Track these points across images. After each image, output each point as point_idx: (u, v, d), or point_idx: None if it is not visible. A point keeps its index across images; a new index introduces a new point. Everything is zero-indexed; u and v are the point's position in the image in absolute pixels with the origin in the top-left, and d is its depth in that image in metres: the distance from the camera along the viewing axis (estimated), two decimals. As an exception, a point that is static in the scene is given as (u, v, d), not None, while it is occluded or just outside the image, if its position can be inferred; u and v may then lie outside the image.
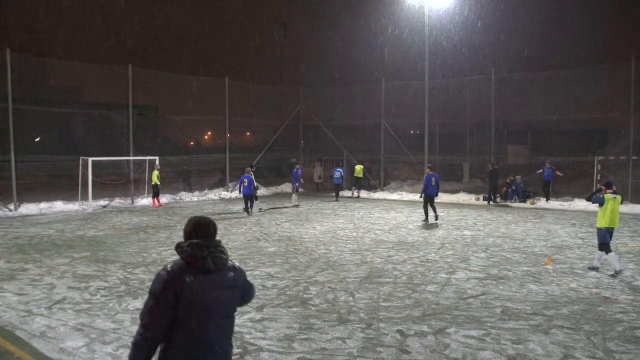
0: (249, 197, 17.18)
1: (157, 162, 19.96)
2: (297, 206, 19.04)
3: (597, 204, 8.98)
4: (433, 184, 15.03)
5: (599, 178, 19.77)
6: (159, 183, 19.30)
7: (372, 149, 26.28)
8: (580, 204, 19.08)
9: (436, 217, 15.19)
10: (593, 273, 8.86)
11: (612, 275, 8.68)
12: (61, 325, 6.30)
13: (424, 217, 15.55)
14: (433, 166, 17.13)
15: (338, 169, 22.53)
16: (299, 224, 14.97)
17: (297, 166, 19.96)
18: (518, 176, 21.51)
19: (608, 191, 8.98)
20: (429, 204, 15.26)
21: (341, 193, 22.79)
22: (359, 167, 23.91)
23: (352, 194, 23.91)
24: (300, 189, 20.15)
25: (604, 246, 8.86)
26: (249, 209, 17.23)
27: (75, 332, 6.09)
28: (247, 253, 10.70)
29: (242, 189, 17.17)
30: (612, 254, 8.82)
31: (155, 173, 19.30)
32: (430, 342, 5.74)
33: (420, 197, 15.76)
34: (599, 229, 8.97)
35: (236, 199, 23.41)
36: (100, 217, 16.62)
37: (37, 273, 8.99)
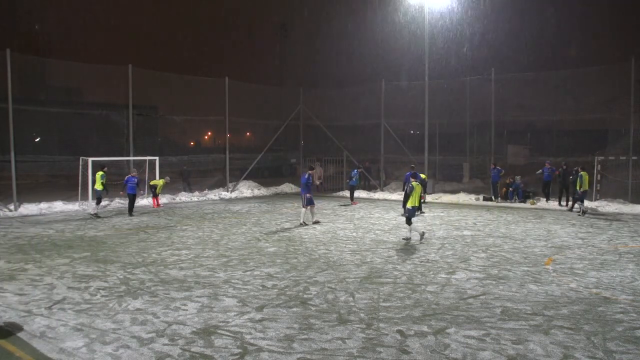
0: (133, 197, 17.12)
1: (168, 178, 20.29)
2: (312, 223, 14.86)
3: (409, 193, 12.11)
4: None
5: (599, 178, 19.78)
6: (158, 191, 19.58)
7: (372, 149, 26.27)
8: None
9: (420, 212, 16.95)
10: (593, 273, 8.86)
11: (404, 239, 12.02)
12: (61, 326, 6.30)
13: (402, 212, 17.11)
14: (415, 166, 18.15)
15: (355, 171, 21.27)
16: (299, 224, 14.96)
17: (310, 172, 15.38)
18: (518, 176, 21.56)
19: (414, 180, 12.30)
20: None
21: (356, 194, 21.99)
22: (423, 176, 22.38)
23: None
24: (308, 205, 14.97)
25: (410, 220, 12.04)
26: (131, 209, 17.18)
27: (75, 332, 6.09)
28: (247, 253, 10.70)
29: (128, 189, 16.88)
30: (412, 225, 12.04)
31: (162, 182, 19.62)
32: (430, 342, 5.74)
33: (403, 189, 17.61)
34: (408, 209, 12.08)
35: (236, 199, 23.44)
36: (101, 217, 16.61)
37: (37, 273, 8.99)
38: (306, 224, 14.73)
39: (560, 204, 19.40)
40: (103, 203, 19.51)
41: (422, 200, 20.65)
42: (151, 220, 15.97)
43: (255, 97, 27.16)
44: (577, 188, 16.42)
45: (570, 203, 18.40)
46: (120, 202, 20.09)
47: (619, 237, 12.65)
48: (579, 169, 16.74)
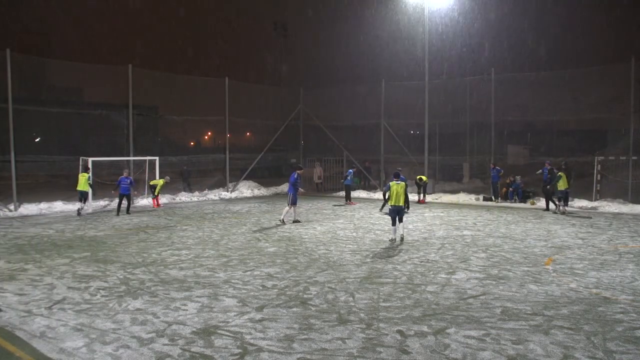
0: (128, 197, 17.25)
1: (168, 178, 20.40)
2: (297, 221, 15.03)
3: (387, 192, 12.03)
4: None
5: (599, 178, 19.77)
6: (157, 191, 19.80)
7: (372, 149, 26.27)
8: (580, 204, 19.08)
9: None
10: (593, 273, 8.85)
11: (389, 240, 11.91)
12: (61, 326, 6.30)
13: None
14: (401, 169, 18.48)
15: (350, 170, 21.34)
16: (299, 224, 14.96)
17: (297, 172, 15.44)
18: (518, 176, 21.56)
19: (394, 179, 11.99)
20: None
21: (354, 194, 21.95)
22: (424, 178, 21.45)
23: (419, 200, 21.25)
24: (292, 205, 15.05)
25: (392, 220, 11.91)
26: (127, 209, 17.40)
27: (75, 332, 6.09)
28: (247, 253, 10.70)
29: (121, 189, 17.01)
30: (394, 227, 11.91)
31: (162, 182, 19.74)
32: (430, 342, 5.74)
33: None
34: (389, 208, 12.02)
35: (236, 199, 23.44)
36: (101, 217, 16.62)
37: (37, 273, 8.99)
38: (285, 223, 14.85)
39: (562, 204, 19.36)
40: (103, 203, 19.55)
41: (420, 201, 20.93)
42: (151, 220, 15.97)
43: (255, 97, 27.15)
44: (559, 188, 16.88)
45: (554, 203, 18.33)
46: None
47: (619, 237, 12.65)
48: (556, 171, 17.27)
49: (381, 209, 17.92)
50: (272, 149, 27.50)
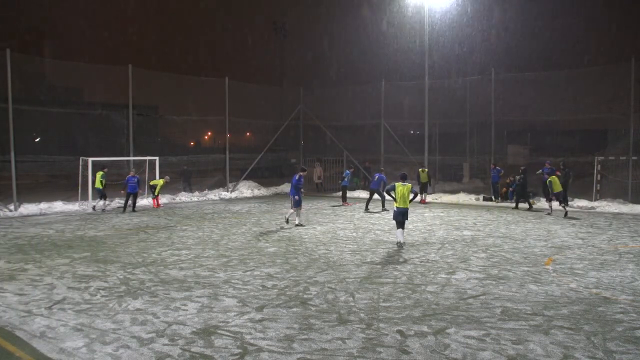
0: (135, 195, 17.99)
1: (168, 178, 20.43)
2: (300, 225, 14.53)
3: (391, 192, 11.44)
4: (375, 179, 19.06)
5: (599, 178, 19.77)
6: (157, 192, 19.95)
7: (372, 149, 26.26)
8: (580, 203, 19.08)
9: (382, 209, 18.21)
10: (593, 273, 8.85)
11: (397, 244, 11.36)
12: (61, 326, 6.30)
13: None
14: (383, 169, 20.15)
15: (347, 171, 21.23)
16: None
17: (301, 173, 14.99)
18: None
19: (400, 181, 11.57)
20: (374, 195, 18.95)
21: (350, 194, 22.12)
22: (423, 173, 21.56)
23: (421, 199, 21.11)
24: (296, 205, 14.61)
25: (397, 223, 11.38)
26: (133, 207, 18.06)
27: (75, 332, 6.09)
28: (247, 253, 10.70)
29: (128, 188, 17.70)
30: (399, 230, 11.35)
31: (162, 182, 19.82)
32: (430, 342, 5.73)
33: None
34: (394, 211, 11.42)
35: (236, 199, 23.43)
36: (100, 217, 16.62)
37: (37, 273, 8.99)
38: (288, 222, 14.69)
39: (563, 205, 19.35)
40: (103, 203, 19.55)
41: (420, 201, 20.98)
42: (151, 220, 15.97)
43: (255, 97, 27.16)
44: (553, 190, 16.87)
45: (518, 202, 19.19)
46: (120, 202, 20.09)
47: (619, 237, 12.65)
48: (546, 177, 17.52)
49: (382, 207, 18.17)
50: (272, 149, 27.49)
